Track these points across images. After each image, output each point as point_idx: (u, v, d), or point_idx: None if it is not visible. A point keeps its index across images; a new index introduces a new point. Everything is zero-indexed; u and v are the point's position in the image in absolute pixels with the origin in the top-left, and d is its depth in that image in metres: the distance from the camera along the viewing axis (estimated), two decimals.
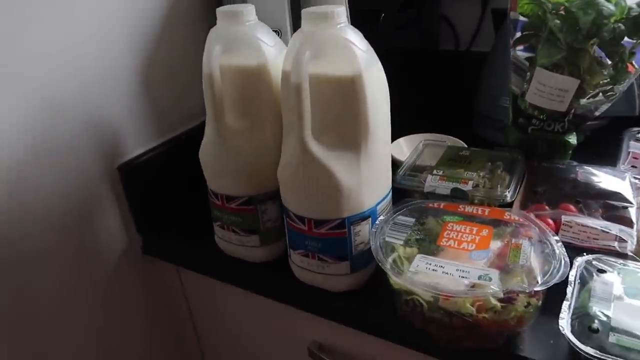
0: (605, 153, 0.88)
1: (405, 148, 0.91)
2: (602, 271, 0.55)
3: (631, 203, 0.66)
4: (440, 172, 0.73)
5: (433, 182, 0.71)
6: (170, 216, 0.83)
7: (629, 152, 0.81)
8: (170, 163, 0.84)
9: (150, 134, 0.82)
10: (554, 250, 0.56)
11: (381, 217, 0.63)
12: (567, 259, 0.54)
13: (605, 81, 0.72)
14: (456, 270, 0.54)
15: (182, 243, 0.79)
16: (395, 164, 0.76)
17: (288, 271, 0.67)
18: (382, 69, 0.60)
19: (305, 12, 0.56)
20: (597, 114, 0.77)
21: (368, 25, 0.95)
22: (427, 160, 0.80)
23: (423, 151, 0.82)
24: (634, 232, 0.61)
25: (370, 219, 0.61)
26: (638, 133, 0.87)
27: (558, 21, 0.71)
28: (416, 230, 0.61)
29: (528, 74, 0.76)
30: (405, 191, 0.73)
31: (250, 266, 0.70)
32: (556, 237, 0.58)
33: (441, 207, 0.66)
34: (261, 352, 0.84)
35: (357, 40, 0.56)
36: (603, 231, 0.60)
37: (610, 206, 0.67)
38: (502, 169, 0.75)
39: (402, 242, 0.59)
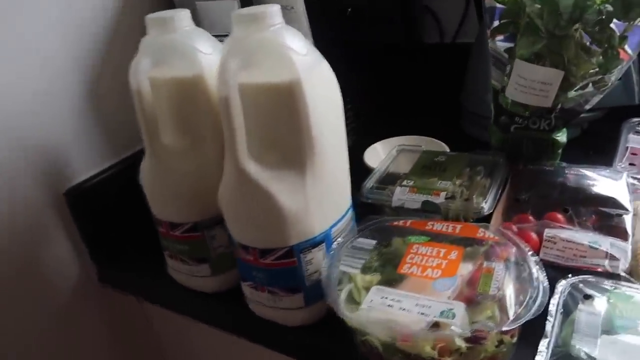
0: (603, 149, 0.79)
1: (383, 153, 0.84)
2: (588, 297, 0.47)
3: (626, 210, 0.58)
4: (411, 183, 0.65)
5: (402, 195, 0.64)
6: (127, 242, 0.77)
7: (627, 148, 0.73)
8: (124, 185, 0.77)
9: (101, 155, 0.76)
10: (531, 275, 0.48)
11: (339, 240, 0.56)
12: (547, 285, 0.47)
13: (594, 70, 0.63)
14: (415, 305, 0.47)
15: (138, 272, 0.73)
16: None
17: (242, 302, 0.60)
18: (329, 71, 0.53)
19: (234, 14, 0.49)
20: (587, 107, 0.68)
21: (336, 21, 0.88)
22: (401, 168, 0.72)
23: (397, 158, 0.75)
24: (628, 246, 0.53)
25: (323, 244, 0.54)
26: (638, 124, 0.79)
27: (537, 6, 0.63)
28: (377, 255, 0.54)
29: (508, 67, 0.68)
30: (375, 206, 0.66)
31: (203, 297, 0.64)
32: (535, 258, 0.50)
33: (407, 225, 0.58)
34: None
35: (294, 43, 0.49)
36: (591, 247, 0.52)
37: (603, 214, 0.59)
38: (483, 175, 0.67)
39: (359, 270, 0.52)
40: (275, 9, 0.49)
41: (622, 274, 0.50)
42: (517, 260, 0.51)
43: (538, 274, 0.48)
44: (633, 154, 0.71)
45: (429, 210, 0.62)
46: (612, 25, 0.62)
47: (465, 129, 0.96)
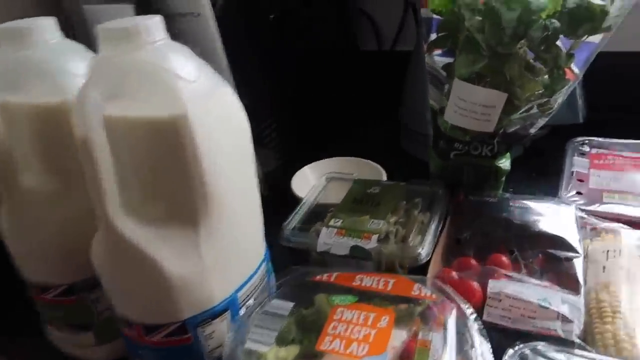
0: (547, 170, 0.74)
1: (313, 179, 0.74)
2: None
3: (577, 253, 0.51)
4: (339, 223, 0.56)
5: (328, 239, 0.54)
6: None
7: (572, 172, 0.67)
8: None
9: None
10: (474, 349, 0.40)
11: (249, 303, 0.46)
12: None
13: (540, 92, 0.57)
14: None
15: (10, 335, 0.60)
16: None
17: None
18: (231, 100, 0.43)
19: (99, 28, 0.38)
20: (532, 131, 0.62)
21: (258, 29, 0.78)
22: (332, 200, 0.63)
23: (326, 187, 0.66)
24: (580, 301, 0.46)
25: (227, 312, 0.44)
26: (582, 144, 0.74)
27: (477, 19, 0.55)
28: (295, 322, 0.44)
29: (446, 86, 0.60)
30: (299, 252, 0.56)
31: None
32: (478, 324, 0.42)
33: (332, 280, 0.49)
34: None
35: (180, 65, 0.39)
36: (541, 306, 0.44)
37: (551, 257, 0.52)
38: (421, 209, 0.59)
39: (273, 344, 0.42)
40: (155, 21, 0.39)
41: (576, 340, 0.42)
42: (458, 328, 0.42)
43: (482, 349, 0.40)
44: (579, 180, 0.66)
45: (358, 257, 0.53)
46: (558, 42, 0.55)
47: (405, 147, 0.88)
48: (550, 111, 0.59)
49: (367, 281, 0.48)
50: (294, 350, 0.42)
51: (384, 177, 0.71)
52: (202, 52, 0.45)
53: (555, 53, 0.54)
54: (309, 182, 0.73)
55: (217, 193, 0.40)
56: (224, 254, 0.42)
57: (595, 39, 0.55)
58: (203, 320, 0.42)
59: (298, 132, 0.83)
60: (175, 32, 0.51)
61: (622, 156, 0.69)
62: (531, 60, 0.56)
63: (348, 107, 0.94)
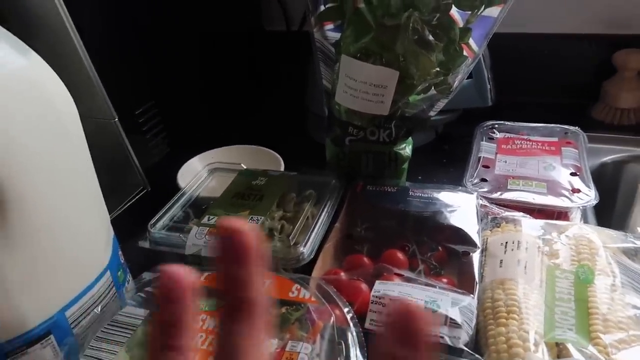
0: (457, 155, 0.70)
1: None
2: None
3: (475, 246, 0.47)
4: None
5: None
6: None
7: (479, 157, 0.63)
8: None
9: None
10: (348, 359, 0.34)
11: (84, 322, 0.38)
12: None
13: (435, 70, 0.51)
14: None
15: None
16: None
17: None
18: (39, 63, 0.34)
19: None
20: (432, 113, 0.57)
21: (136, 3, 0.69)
22: (213, 192, 0.56)
23: (208, 180, 0.58)
24: (473, 302, 0.41)
25: (51, 337, 0.35)
26: (491, 129, 0.70)
27: None
28: (147, 332, 0.37)
29: (337, 65, 0.54)
30: (174, 254, 0.48)
31: None
32: (356, 331, 0.37)
33: (200, 281, 0.42)
34: None
35: None
36: (428, 309, 0.39)
37: (451, 251, 0.48)
38: (313, 202, 0.53)
39: (117, 359, 0.35)
40: None
41: (464, 348, 0.37)
42: (332, 336, 0.37)
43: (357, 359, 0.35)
44: (485, 166, 0.61)
45: None
46: (455, 13, 0.50)
47: (313, 135, 0.82)
48: (449, 91, 0.54)
49: None
50: None
51: (282, 167, 0.65)
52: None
53: (449, 26, 0.49)
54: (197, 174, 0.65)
55: (14, 187, 0.31)
56: (36, 266, 0.33)
57: (493, 12, 0.51)
58: (15, 348, 0.33)
59: (190, 119, 0.75)
60: None
61: (529, 140, 0.66)
62: (425, 35, 0.50)
63: (251, 90, 0.87)
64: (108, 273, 0.40)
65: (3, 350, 0.33)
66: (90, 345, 0.36)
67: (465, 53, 0.52)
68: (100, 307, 0.39)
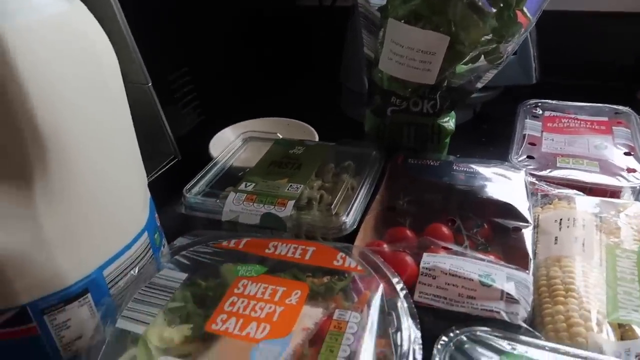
0: (497, 135, 0.67)
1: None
2: None
3: (527, 222, 0.44)
4: (250, 187, 0.47)
5: (235, 206, 0.45)
6: None
7: (524, 136, 0.60)
8: None
9: None
10: (400, 333, 0.32)
11: (121, 283, 0.36)
12: (419, 352, 0.31)
13: (487, 38, 0.49)
14: None
15: None
16: None
17: None
18: (87, 27, 0.32)
19: None
20: (479, 85, 0.54)
21: None
22: (247, 163, 0.54)
23: (242, 149, 0.56)
24: (529, 278, 0.38)
25: (88, 295, 0.34)
26: (535, 107, 0.67)
27: None
28: (188, 296, 0.35)
29: (381, 31, 0.52)
30: (209, 220, 0.47)
31: None
32: (408, 303, 0.34)
33: (240, 246, 0.40)
34: None
35: None
36: (482, 284, 0.37)
37: (498, 227, 0.45)
38: (352, 173, 0.51)
39: (154, 322, 0.33)
40: None
41: (523, 324, 0.35)
42: (383, 307, 0.34)
43: (410, 330, 0.33)
44: (531, 143, 0.59)
45: (271, 227, 0.44)
46: None
47: (346, 110, 0.80)
48: (499, 61, 0.51)
49: (282, 249, 0.40)
50: (183, 330, 0.33)
51: (316, 139, 0.63)
52: None
53: None
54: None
55: (56, 139, 0.30)
56: (75, 221, 0.32)
57: None
58: (51, 305, 0.32)
59: (222, 90, 0.73)
60: None
61: (577, 119, 0.63)
62: (478, 1, 0.48)
63: (284, 64, 0.85)
64: (145, 234, 0.38)
65: (39, 307, 0.32)
66: (128, 307, 0.34)
67: (519, 20, 0.49)
68: (137, 268, 0.37)
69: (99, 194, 0.33)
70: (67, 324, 0.33)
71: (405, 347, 0.31)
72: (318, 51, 0.85)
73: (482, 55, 0.51)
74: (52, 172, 0.30)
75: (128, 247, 0.36)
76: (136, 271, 0.37)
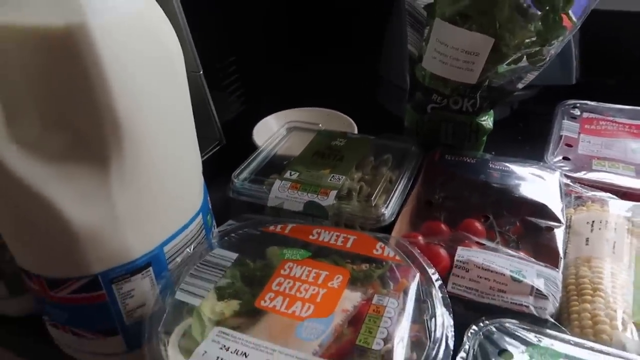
0: (534, 134, 0.68)
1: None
2: (504, 352, 0.35)
3: (559, 222, 0.46)
4: (295, 176, 0.50)
5: (281, 193, 0.48)
6: None
7: (561, 136, 0.61)
8: None
9: None
10: (434, 319, 0.35)
11: (178, 259, 0.40)
12: (452, 340, 0.33)
13: (531, 40, 0.50)
14: None
15: None
16: None
17: None
18: (155, 13, 0.35)
19: None
20: (520, 86, 0.55)
21: None
22: (292, 153, 0.57)
23: (286, 138, 0.59)
24: (558, 276, 0.40)
25: (150, 269, 0.37)
26: (574, 107, 0.67)
27: None
28: (237, 275, 0.39)
29: (427, 29, 0.53)
30: (254, 205, 0.50)
31: (3, 323, 0.46)
32: (443, 292, 0.37)
33: (287, 231, 0.43)
34: None
35: None
36: (514, 279, 0.39)
37: (530, 225, 0.47)
38: (391, 166, 0.53)
39: (213, 295, 0.37)
40: None
41: (550, 319, 0.37)
42: (419, 294, 0.37)
43: (444, 318, 0.35)
44: (567, 144, 0.60)
45: (314, 214, 0.47)
46: None
47: (383, 102, 0.81)
48: (541, 63, 0.52)
49: (325, 236, 0.42)
50: (233, 305, 0.37)
51: (355, 131, 0.65)
52: None
53: None
54: (272, 132, 0.66)
55: (131, 124, 0.33)
56: (143, 200, 0.35)
57: None
58: (118, 275, 0.36)
59: (265, 78, 0.76)
60: None
61: (615, 122, 0.64)
62: (524, 2, 0.49)
63: (323, 55, 0.87)
64: (200, 215, 0.42)
65: (108, 277, 0.35)
66: (185, 281, 0.38)
67: (564, 24, 0.50)
68: (192, 247, 0.41)
69: (165, 177, 0.36)
70: (131, 293, 0.37)
71: (438, 333, 0.34)
72: (358, 39, 0.86)
73: (525, 57, 0.52)
74: (127, 156, 0.33)
75: (186, 226, 0.40)
76: (191, 249, 0.41)
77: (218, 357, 0.32)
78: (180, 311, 0.36)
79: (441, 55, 0.51)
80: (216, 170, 0.54)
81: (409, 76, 0.58)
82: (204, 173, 0.46)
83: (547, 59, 0.52)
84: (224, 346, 0.33)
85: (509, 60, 0.51)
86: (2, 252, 0.42)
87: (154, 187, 0.36)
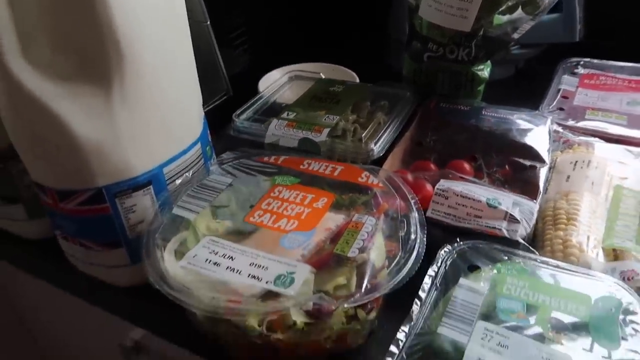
0: (534, 91, 0.68)
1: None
2: (474, 268, 0.37)
3: (543, 161, 0.48)
4: (292, 116, 0.52)
5: (277, 130, 0.51)
6: None
7: (559, 90, 0.62)
8: None
9: None
10: (408, 235, 0.37)
11: (178, 182, 0.43)
12: (422, 250, 0.36)
13: None
14: (250, 265, 0.35)
15: None
16: None
17: None
18: None
19: None
20: (515, 36, 0.56)
21: None
22: (291, 99, 0.59)
23: (287, 86, 0.62)
24: (534, 206, 0.42)
25: (150, 187, 0.41)
26: (576, 65, 0.68)
27: None
28: (231, 197, 0.42)
29: None
30: (254, 143, 0.53)
31: (21, 244, 0.51)
32: (420, 215, 0.39)
33: (279, 162, 0.46)
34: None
35: None
36: (489, 205, 0.41)
37: (517, 165, 0.49)
38: (387, 112, 0.55)
39: (202, 212, 0.40)
40: None
41: (521, 241, 0.39)
42: (395, 215, 0.40)
43: (417, 234, 0.37)
44: (564, 97, 0.61)
45: (307, 150, 0.49)
46: None
47: (392, 61, 0.83)
48: (537, 11, 0.53)
49: (315, 166, 0.45)
50: (226, 223, 0.40)
51: None
52: None
53: None
54: None
55: (132, 48, 0.36)
56: (143, 120, 0.38)
57: None
58: (121, 190, 0.39)
59: (275, 32, 0.78)
60: None
61: (615, 77, 0.64)
62: None
63: (331, 13, 0.88)
64: (199, 144, 0.45)
65: (112, 191, 0.39)
66: (182, 200, 0.41)
67: None
68: (191, 172, 0.44)
69: (163, 102, 0.39)
70: (133, 208, 0.40)
71: (410, 246, 0.36)
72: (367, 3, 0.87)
73: (520, 5, 0.53)
74: (128, 78, 0.36)
75: (184, 152, 0.43)
76: (190, 174, 0.44)
77: (207, 259, 0.36)
78: (177, 225, 0.39)
79: (436, 3, 0.52)
80: (223, 116, 0.57)
81: (408, 26, 0.60)
82: (211, 118, 0.49)
83: (542, 6, 0.53)
84: (213, 251, 0.37)
85: (502, 8, 0.53)
86: (21, 177, 0.46)
87: (153, 112, 0.39)
